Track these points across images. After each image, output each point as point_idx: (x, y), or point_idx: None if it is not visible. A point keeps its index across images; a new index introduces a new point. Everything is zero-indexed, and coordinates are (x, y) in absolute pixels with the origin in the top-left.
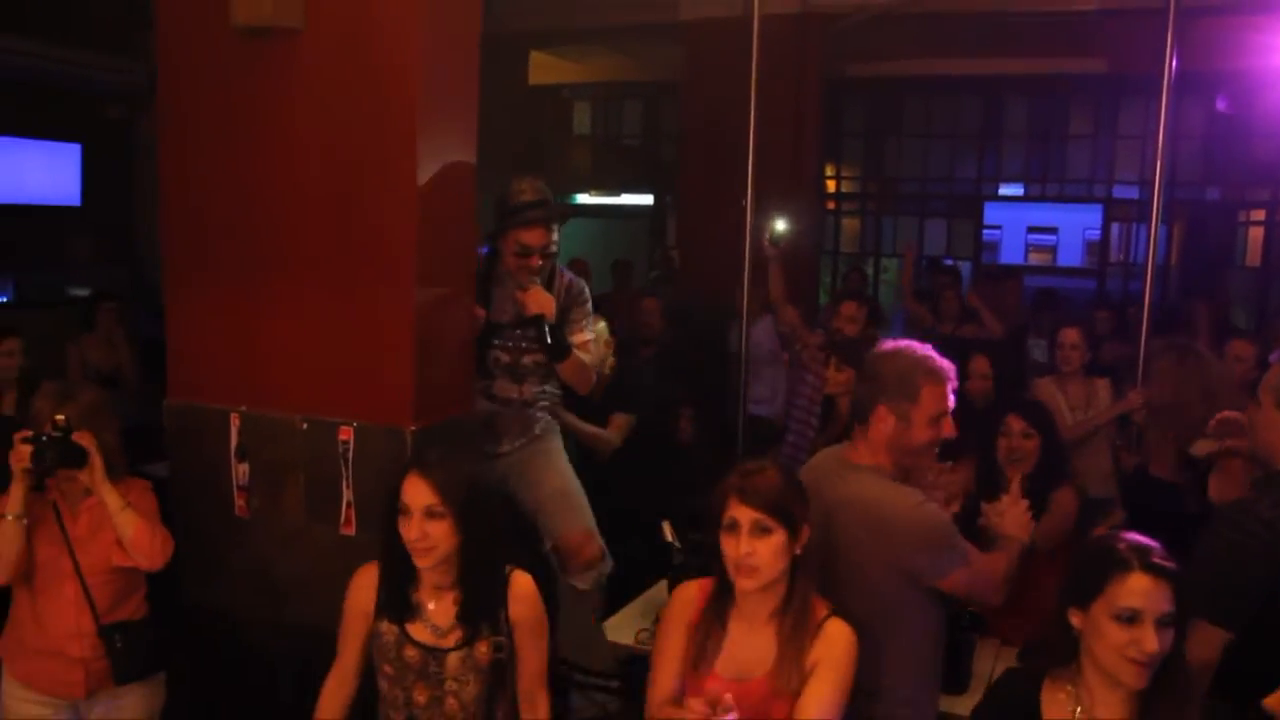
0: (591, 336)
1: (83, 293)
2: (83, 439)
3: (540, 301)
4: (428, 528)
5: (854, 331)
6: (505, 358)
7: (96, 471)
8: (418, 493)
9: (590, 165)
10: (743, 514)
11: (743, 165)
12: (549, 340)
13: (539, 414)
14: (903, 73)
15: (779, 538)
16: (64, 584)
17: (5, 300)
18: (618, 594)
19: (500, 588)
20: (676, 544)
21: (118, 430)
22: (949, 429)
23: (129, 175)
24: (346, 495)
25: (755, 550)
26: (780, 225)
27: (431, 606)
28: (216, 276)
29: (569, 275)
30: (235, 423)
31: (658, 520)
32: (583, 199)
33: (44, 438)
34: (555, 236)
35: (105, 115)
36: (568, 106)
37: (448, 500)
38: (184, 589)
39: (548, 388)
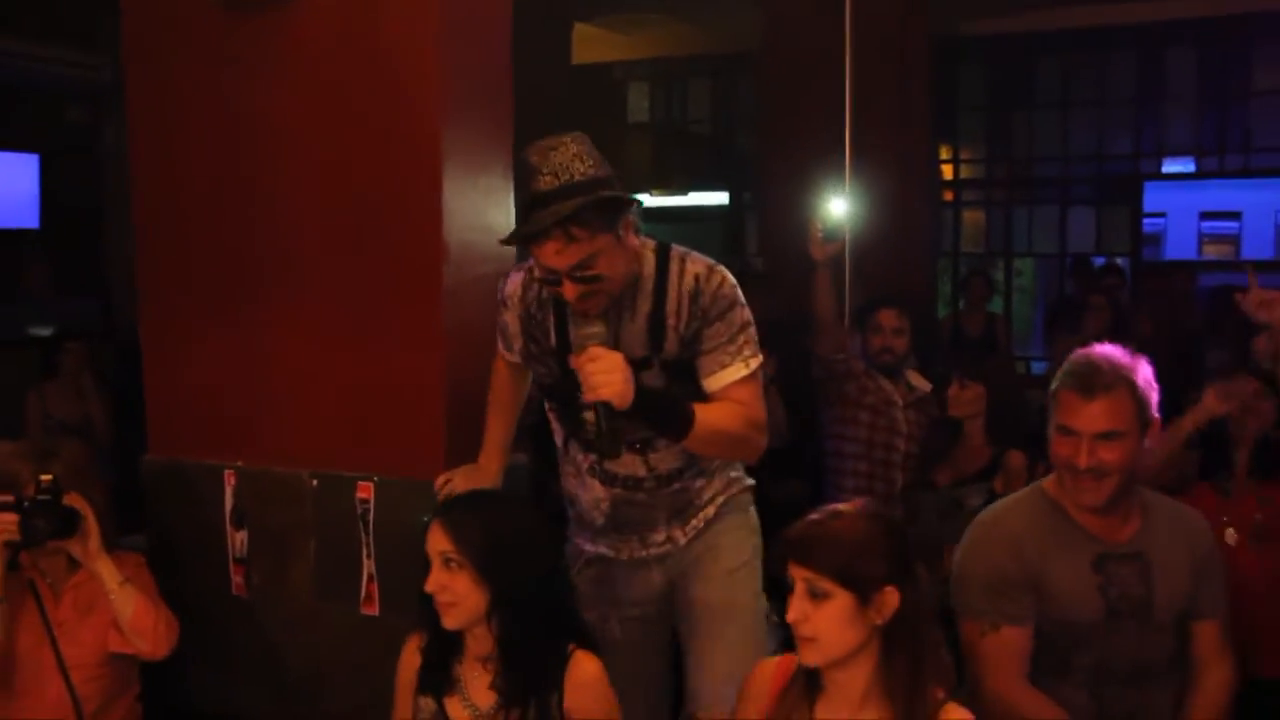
0: (747, 370)
1: (44, 331)
2: (75, 501)
3: (608, 376)
4: (444, 579)
5: (902, 346)
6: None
7: (91, 540)
8: (435, 539)
9: (650, 160)
10: (796, 573)
11: (836, 151)
12: (603, 429)
13: (699, 495)
14: (1033, 27)
15: (842, 603)
16: (45, 682)
17: None
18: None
19: (554, 668)
20: (773, 616)
21: (106, 491)
22: None
23: (95, 190)
24: (367, 567)
25: (809, 617)
26: (835, 212)
27: (472, 681)
28: (203, 306)
29: (698, 271)
30: (230, 482)
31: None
32: (643, 200)
33: (29, 503)
34: (599, 244)
35: (66, 119)
36: (621, 89)
37: (462, 547)
38: (180, 686)
39: (708, 465)
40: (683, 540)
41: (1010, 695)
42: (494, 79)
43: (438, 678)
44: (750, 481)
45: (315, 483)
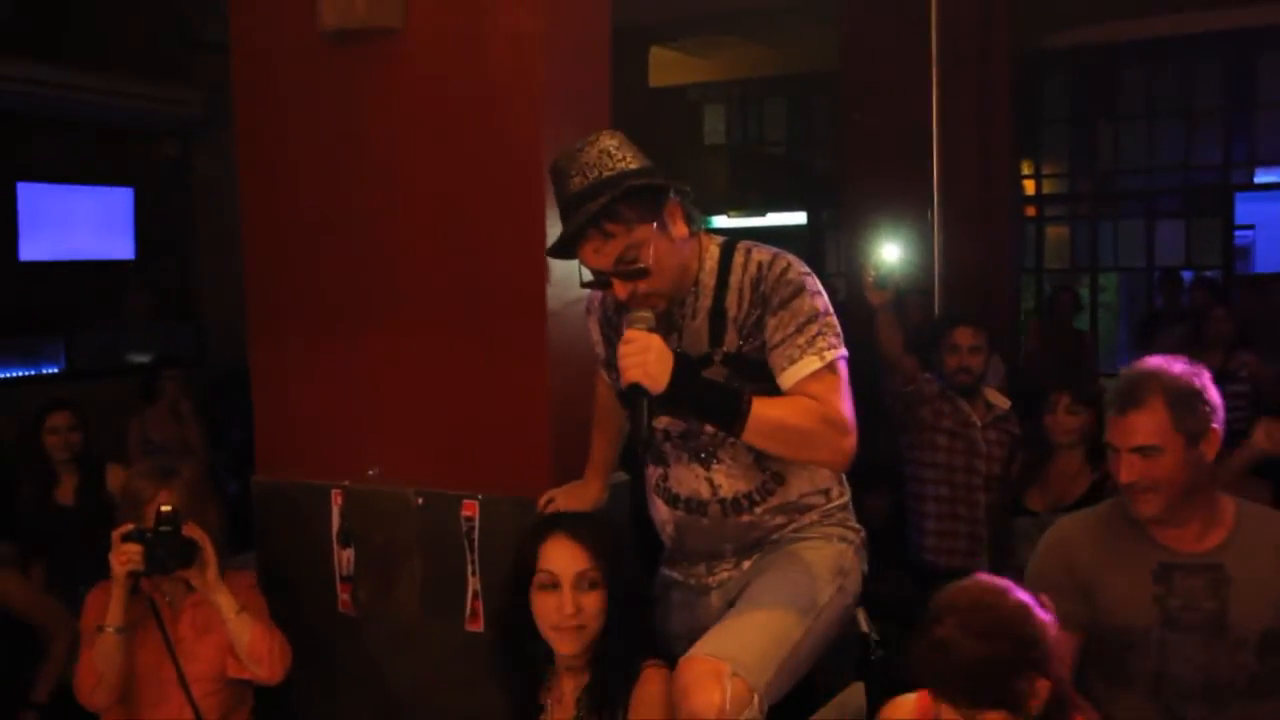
0: (821, 363)
1: (142, 358)
2: (192, 532)
3: (639, 357)
4: (581, 600)
5: (978, 365)
6: (674, 424)
7: (210, 570)
8: (568, 557)
9: (727, 181)
10: (945, 713)
11: (919, 169)
12: (645, 422)
13: (775, 532)
14: (1117, 38)
15: (996, 718)
16: (167, 697)
17: (56, 370)
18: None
19: (628, 681)
20: (874, 636)
21: (220, 511)
22: None
23: (187, 221)
24: (472, 584)
25: None
26: (889, 258)
27: (556, 704)
28: (311, 330)
29: (762, 258)
30: (337, 501)
31: None
32: (719, 222)
33: (151, 534)
34: (638, 236)
35: (159, 153)
36: (697, 111)
37: (602, 564)
38: (287, 702)
39: (781, 482)
40: (747, 565)
41: None
42: (594, 105)
43: (527, 700)
44: (854, 534)
45: (420, 501)
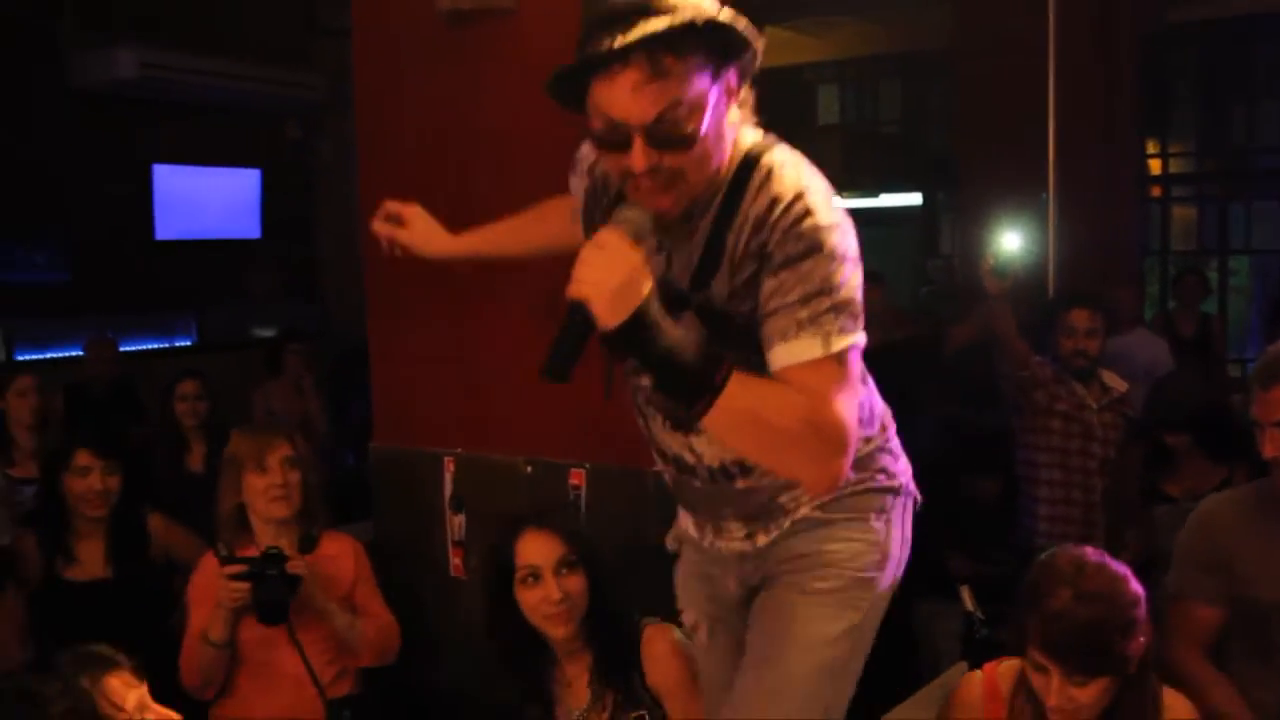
0: (823, 351)
1: (266, 333)
2: (297, 566)
3: (601, 273)
4: (565, 585)
5: (1095, 348)
6: (643, 377)
7: (315, 599)
8: (543, 547)
9: (841, 161)
10: (1053, 669)
11: (1038, 148)
12: (563, 338)
13: (784, 502)
14: (1248, 9)
15: (1104, 683)
16: (282, 658)
17: (189, 343)
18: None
19: (633, 645)
20: (979, 614)
21: (323, 479)
22: None
23: (310, 201)
24: None
25: (1072, 698)
26: (1009, 246)
27: (566, 687)
28: (426, 301)
29: (779, 192)
30: (450, 468)
31: (953, 585)
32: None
33: (259, 572)
34: (694, 92)
35: (284, 136)
36: (810, 91)
37: (577, 545)
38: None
39: None
40: (763, 540)
41: (1186, 666)
42: None
43: (539, 694)
44: (894, 481)
45: (530, 469)
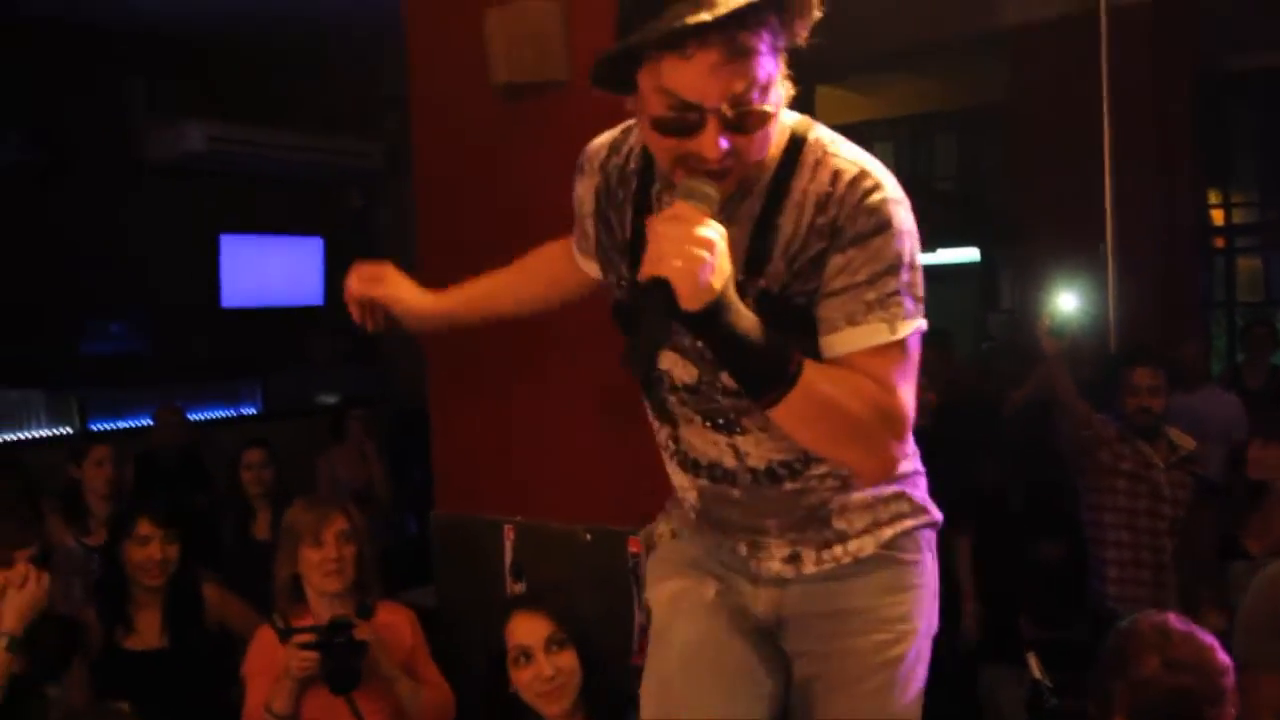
0: (892, 335)
1: (330, 399)
2: (363, 633)
3: (684, 246)
4: (556, 662)
5: (1159, 405)
6: (683, 372)
7: (382, 665)
8: (532, 628)
9: None
10: None
11: (1095, 201)
12: (642, 327)
13: (835, 507)
14: None
15: None
16: None
17: (254, 411)
18: None
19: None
20: (1047, 682)
21: (378, 551)
22: None
23: None
24: (639, 618)
25: None
26: (1066, 305)
27: None
28: (486, 370)
29: (841, 168)
30: (510, 536)
31: (1020, 650)
32: None
33: (327, 642)
34: (767, 71)
35: (345, 204)
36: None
37: (566, 624)
38: None
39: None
40: (811, 568)
41: None
42: None
43: None
44: (935, 514)
45: (589, 537)
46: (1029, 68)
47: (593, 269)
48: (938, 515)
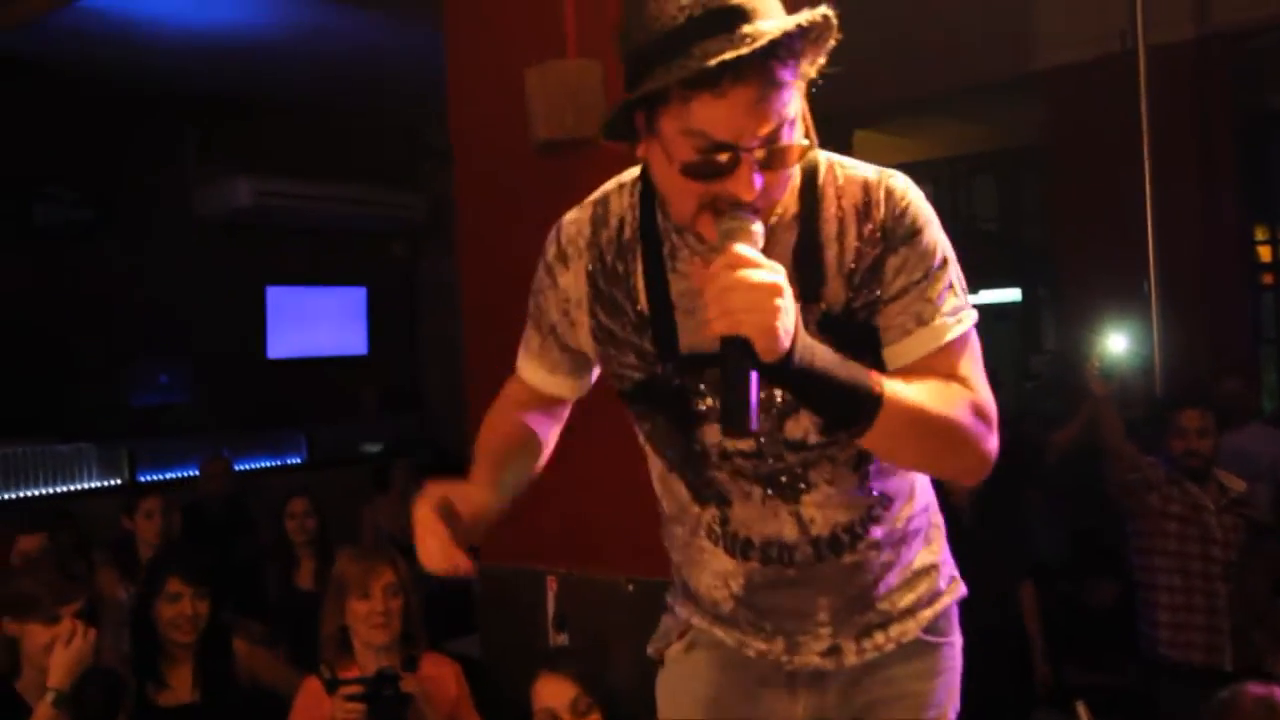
0: (961, 329)
1: (373, 448)
2: (409, 685)
3: (749, 296)
4: None
5: (1208, 448)
6: (718, 433)
7: (427, 716)
8: (557, 691)
9: None
10: None
11: (1138, 239)
12: (733, 387)
13: (887, 579)
14: None
15: None
16: None
17: (299, 461)
18: None
19: None
20: None
21: (423, 601)
22: None
23: (415, 318)
24: None
25: None
26: (1114, 347)
27: None
28: None
29: (866, 177)
30: (552, 587)
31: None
32: None
33: (374, 695)
34: (793, 106)
35: (389, 254)
36: None
37: (594, 689)
38: None
39: (887, 506)
40: (853, 658)
41: None
42: None
43: None
44: (962, 588)
45: (631, 588)
46: (1067, 108)
47: (560, 384)
48: (963, 588)
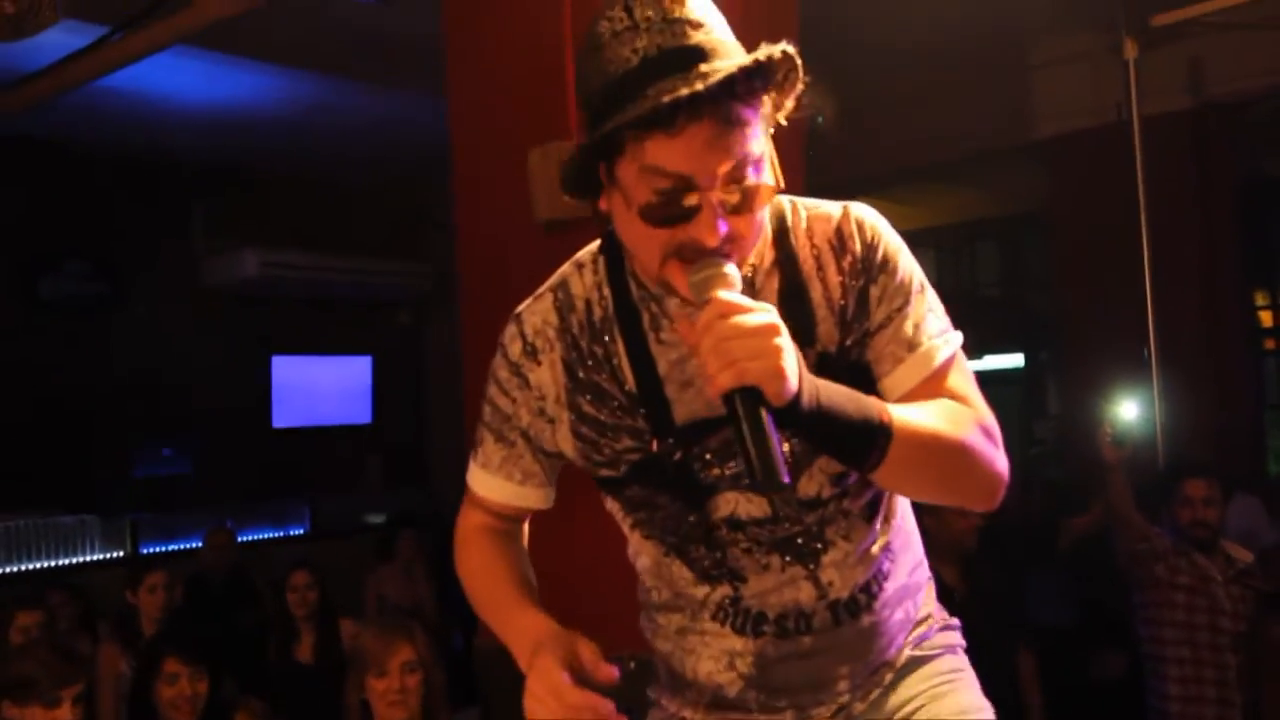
0: (950, 349)
1: (378, 519)
2: None
3: (749, 343)
4: None
5: (1214, 518)
6: (750, 505)
7: None
8: None
9: None
10: None
11: (1138, 305)
12: (755, 441)
13: (898, 631)
14: None
15: None
16: None
17: (302, 532)
18: None
19: None
20: None
21: (443, 674)
22: None
23: (420, 386)
24: None
25: None
26: (1127, 414)
27: None
28: None
29: (829, 213)
30: None
31: None
32: None
33: None
34: (758, 144)
35: (395, 323)
36: None
37: None
38: None
39: (894, 559)
40: (860, 709)
41: None
42: None
43: None
44: (953, 619)
45: (633, 665)
46: (1068, 176)
47: (530, 495)
48: (957, 623)
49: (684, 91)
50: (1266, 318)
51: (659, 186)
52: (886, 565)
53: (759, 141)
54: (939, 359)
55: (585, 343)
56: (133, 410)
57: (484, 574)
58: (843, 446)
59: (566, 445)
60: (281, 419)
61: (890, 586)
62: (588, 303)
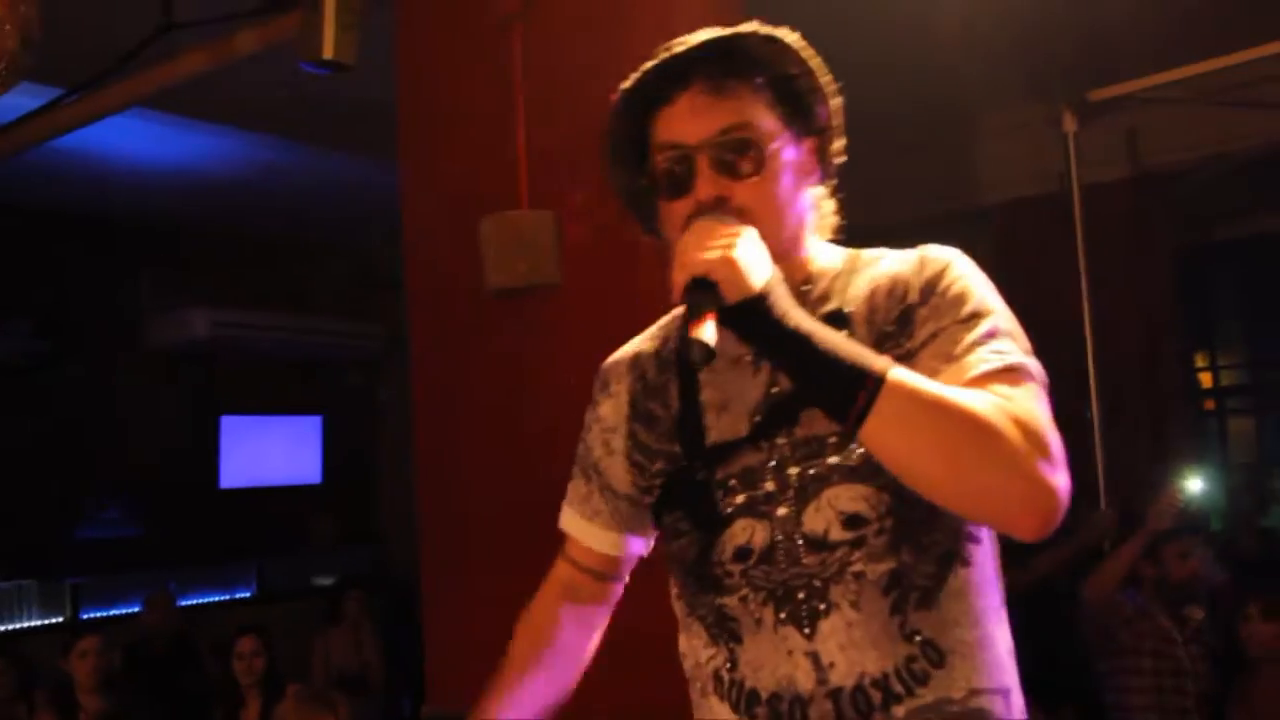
0: (1000, 362)
1: (326, 580)
2: None
3: (715, 239)
4: None
5: (1189, 571)
6: (756, 533)
7: None
8: None
9: None
10: None
11: (1079, 366)
12: (701, 351)
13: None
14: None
15: None
16: None
17: (248, 595)
18: None
19: None
20: None
21: None
22: None
23: (370, 446)
24: None
25: None
26: (1192, 488)
27: None
28: (483, 557)
29: (905, 256)
30: None
31: None
32: None
33: None
34: (758, 114)
35: (345, 383)
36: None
37: None
38: None
39: (938, 662)
40: None
41: None
42: None
43: None
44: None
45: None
46: (1012, 242)
47: (597, 536)
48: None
49: (664, 56)
50: (1206, 379)
51: (666, 158)
52: (920, 666)
53: (765, 122)
54: (979, 368)
55: (651, 374)
56: (76, 471)
57: (517, 633)
58: (823, 386)
59: (623, 473)
60: (229, 479)
61: (926, 695)
62: (666, 338)
